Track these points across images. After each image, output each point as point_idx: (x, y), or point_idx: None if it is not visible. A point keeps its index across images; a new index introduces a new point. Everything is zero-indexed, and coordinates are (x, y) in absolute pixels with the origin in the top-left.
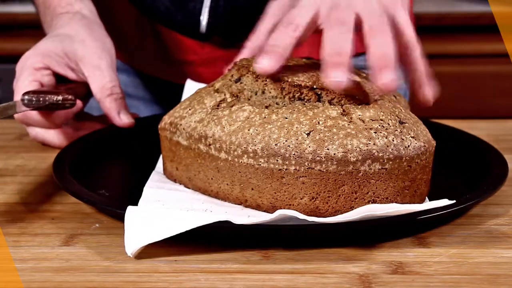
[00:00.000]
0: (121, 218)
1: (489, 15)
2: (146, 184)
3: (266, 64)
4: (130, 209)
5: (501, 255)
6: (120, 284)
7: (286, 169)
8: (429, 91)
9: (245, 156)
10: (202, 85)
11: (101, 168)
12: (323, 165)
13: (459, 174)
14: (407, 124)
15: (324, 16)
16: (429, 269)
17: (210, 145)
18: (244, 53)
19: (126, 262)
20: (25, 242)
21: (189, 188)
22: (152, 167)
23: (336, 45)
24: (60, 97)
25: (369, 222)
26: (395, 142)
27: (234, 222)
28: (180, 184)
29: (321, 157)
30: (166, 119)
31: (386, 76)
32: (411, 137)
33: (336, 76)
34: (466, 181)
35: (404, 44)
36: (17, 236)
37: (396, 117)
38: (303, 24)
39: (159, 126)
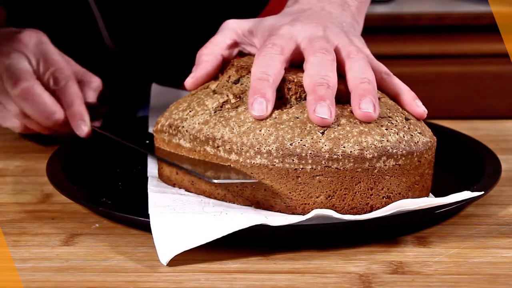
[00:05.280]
0: (122, 222)
1: (489, 15)
2: (148, 189)
3: (263, 108)
4: (154, 216)
5: (501, 255)
6: (120, 284)
7: (302, 168)
8: (419, 107)
9: (258, 156)
10: (169, 89)
11: (95, 173)
12: (340, 163)
13: (451, 174)
14: (412, 121)
15: (305, 44)
16: (429, 269)
17: (218, 147)
18: (207, 67)
19: (126, 262)
20: (25, 242)
21: (191, 192)
22: (142, 168)
23: (323, 72)
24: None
25: (371, 221)
26: (406, 138)
27: (272, 225)
28: (180, 188)
29: (338, 155)
30: (163, 121)
31: (367, 106)
32: (418, 133)
33: (323, 112)
34: (458, 180)
35: (379, 72)
36: (17, 236)
37: (402, 114)
38: (289, 49)
39: (154, 129)
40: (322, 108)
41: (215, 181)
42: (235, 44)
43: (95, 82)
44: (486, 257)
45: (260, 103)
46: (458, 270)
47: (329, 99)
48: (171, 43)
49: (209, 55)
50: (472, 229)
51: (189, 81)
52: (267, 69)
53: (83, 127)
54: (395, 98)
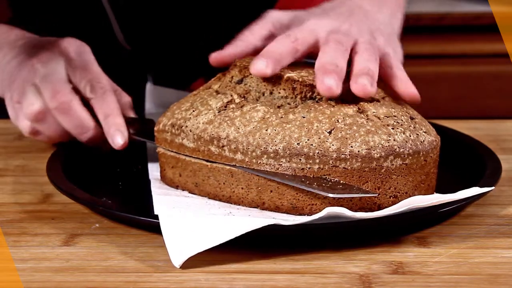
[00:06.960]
0: (122, 222)
1: (489, 15)
2: (152, 192)
3: (263, 67)
4: (163, 219)
5: (501, 255)
6: (120, 284)
7: (309, 168)
8: (410, 88)
9: (265, 156)
10: (165, 89)
11: (95, 173)
12: (348, 162)
13: (451, 174)
14: (417, 120)
15: (323, 38)
16: (429, 269)
17: (223, 146)
18: (236, 49)
19: (126, 262)
20: (25, 242)
21: (195, 194)
22: (142, 168)
23: (331, 58)
24: None
25: (371, 220)
26: (412, 137)
27: (284, 224)
28: (184, 190)
29: (345, 154)
30: (165, 121)
31: (364, 81)
32: (424, 132)
33: (330, 83)
34: (458, 180)
35: (383, 66)
36: (17, 236)
37: (407, 113)
38: (304, 41)
39: (155, 129)
40: (330, 80)
41: (332, 195)
42: (271, 36)
43: (127, 100)
44: (486, 257)
45: (265, 61)
46: (458, 270)
47: (337, 75)
48: (183, 41)
49: (243, 41)
50: (472, 229)
51: (213, 55)
52: (276, 49)
53: (119, 139)
54: (389, 82)
